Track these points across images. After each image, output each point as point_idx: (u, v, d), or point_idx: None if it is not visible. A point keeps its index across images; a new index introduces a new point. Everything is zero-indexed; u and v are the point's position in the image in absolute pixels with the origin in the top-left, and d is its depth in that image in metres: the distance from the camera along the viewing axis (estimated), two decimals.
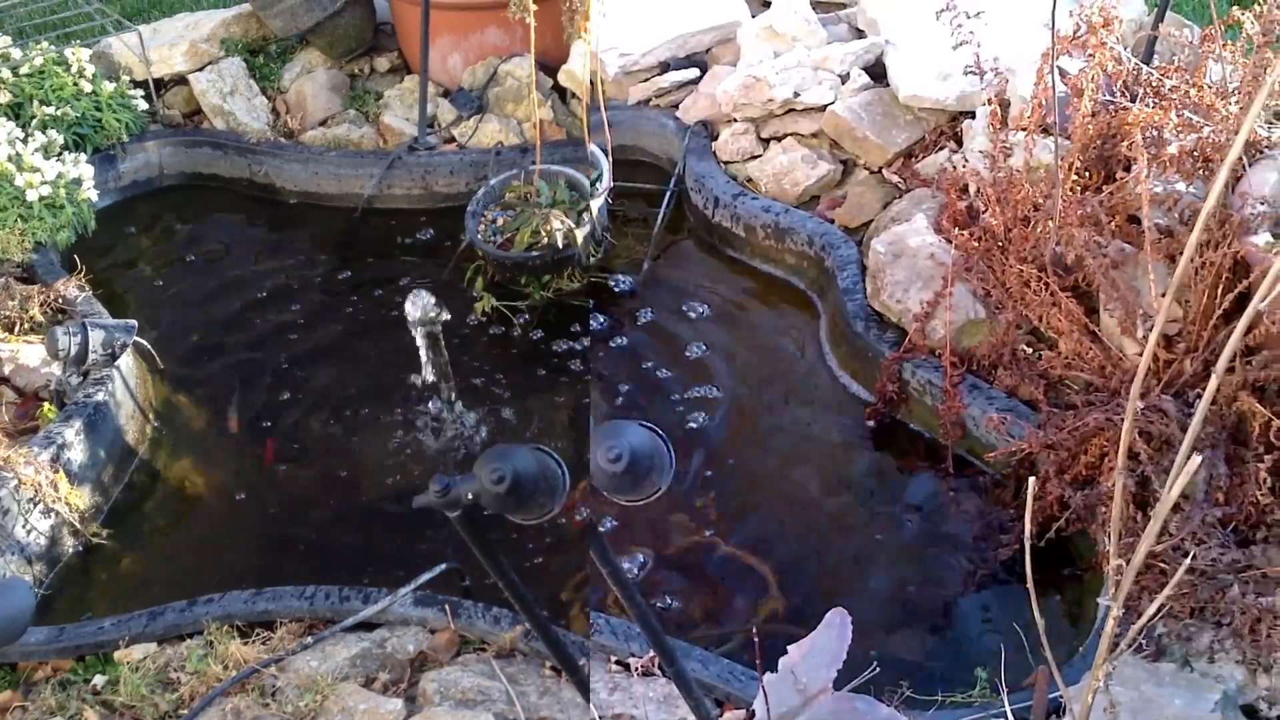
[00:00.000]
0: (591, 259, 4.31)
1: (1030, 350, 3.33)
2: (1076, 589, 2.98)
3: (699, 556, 3.28)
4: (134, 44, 5.14)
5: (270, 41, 5.41)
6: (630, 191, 4.56)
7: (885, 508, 3.35)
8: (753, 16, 4.77)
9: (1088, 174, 3.36)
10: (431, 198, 4.87)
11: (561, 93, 5.07)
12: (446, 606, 2.95)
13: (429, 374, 3.79)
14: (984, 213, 3.52)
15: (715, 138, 4.54)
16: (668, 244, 4.40)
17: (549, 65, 5.00)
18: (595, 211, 4.23)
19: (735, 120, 4.46)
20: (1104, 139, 3.36)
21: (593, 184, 4.26)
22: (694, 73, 4.76)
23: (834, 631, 2.34)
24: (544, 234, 4.15)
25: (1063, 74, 3.41)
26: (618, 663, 2.80)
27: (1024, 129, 3.48)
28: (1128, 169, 3.28)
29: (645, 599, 2.43)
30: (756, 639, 2.73)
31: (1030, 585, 1.79)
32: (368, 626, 2.97)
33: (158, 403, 3.97)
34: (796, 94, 4.28)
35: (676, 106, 4.73)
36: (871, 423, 3.57)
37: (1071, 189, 3.29)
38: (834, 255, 3.90)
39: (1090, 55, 3.27)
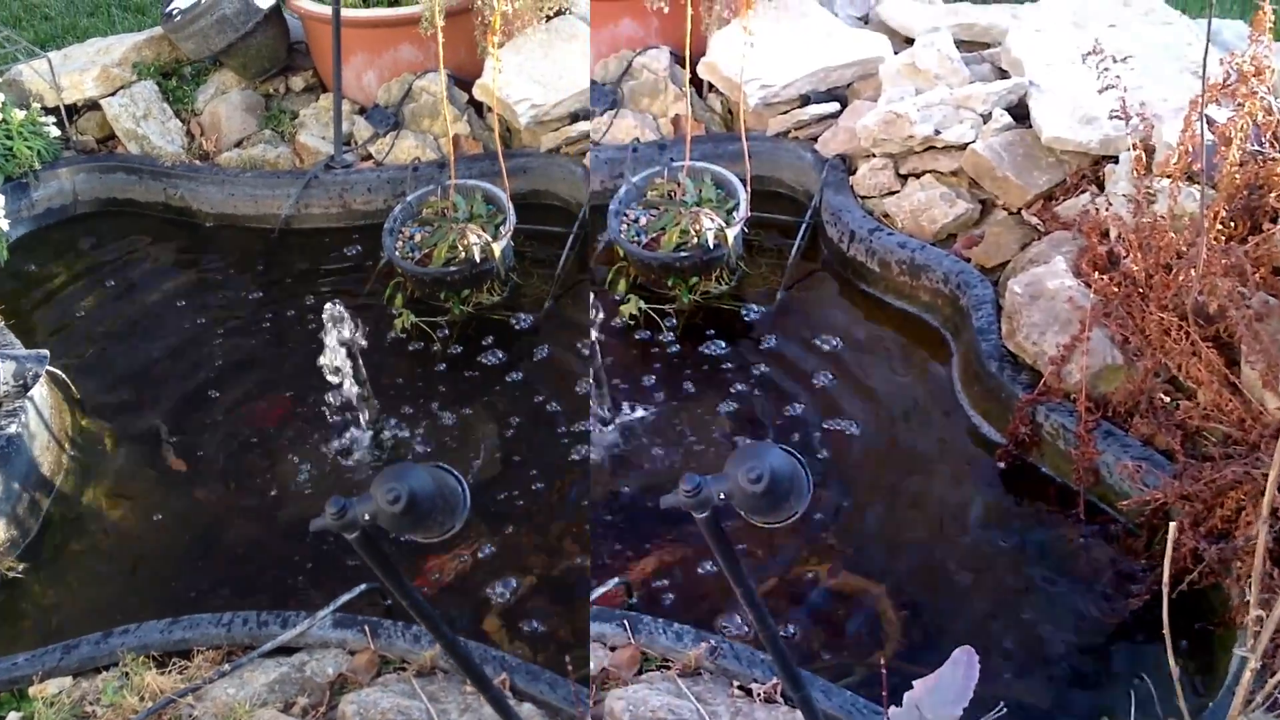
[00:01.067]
0: (513, 274, 4.38)
1: (1168, 399, 3.29)
2: (1207, 644, 2.93)
3: (820, 587, 3.30)
4: (44, 71, 5.20)
5: (183, 64, 5.46)
6: (765, 222, 4.59)
7: (1013, 551, 3.33)
8: (895, 53, 4.79)
9: (1233, 224, 3.32)
10: (350, 215, 4.95)
11: (478, 107, 5.10)
12: (366, 627, 2.99)
13: (349, 391, 3.84)
14: (1125, 258, 3.49)
15: (853, 172, 4.56)
16: (801, 275, 4.43)
17: (464, 80, 5.04)
18: (505, 241, 4.28)
19: (874, 155, 4.48)
20: (1251, 189, 3.32)
21: (729, 213, 4.31)
22: (834, 106, 4.79)
23: (961, 669, 2.35)
24: (461, 249, 4.19)
25: (1210, 122, 3.37)
26: (740, 687, 2.82)
27: (1169, 176, 3.45)
28: (1275, 220, 3.24)
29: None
30: (884, 671, 2.75)
31: (1166, 632, 1.79)
32: (287, 651, 3.00)
33: (74, 432, 4.01)
34: (937, 131, 4.28)
35: (815, 139, 4.76)
36: (1002, 464, 3.55)
37: (1216, 238, 3.25)
38: (969, 294, 3.90)
39: (1240, 104, 3.23)
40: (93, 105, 5.35)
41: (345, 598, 3.06)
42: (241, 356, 4.32)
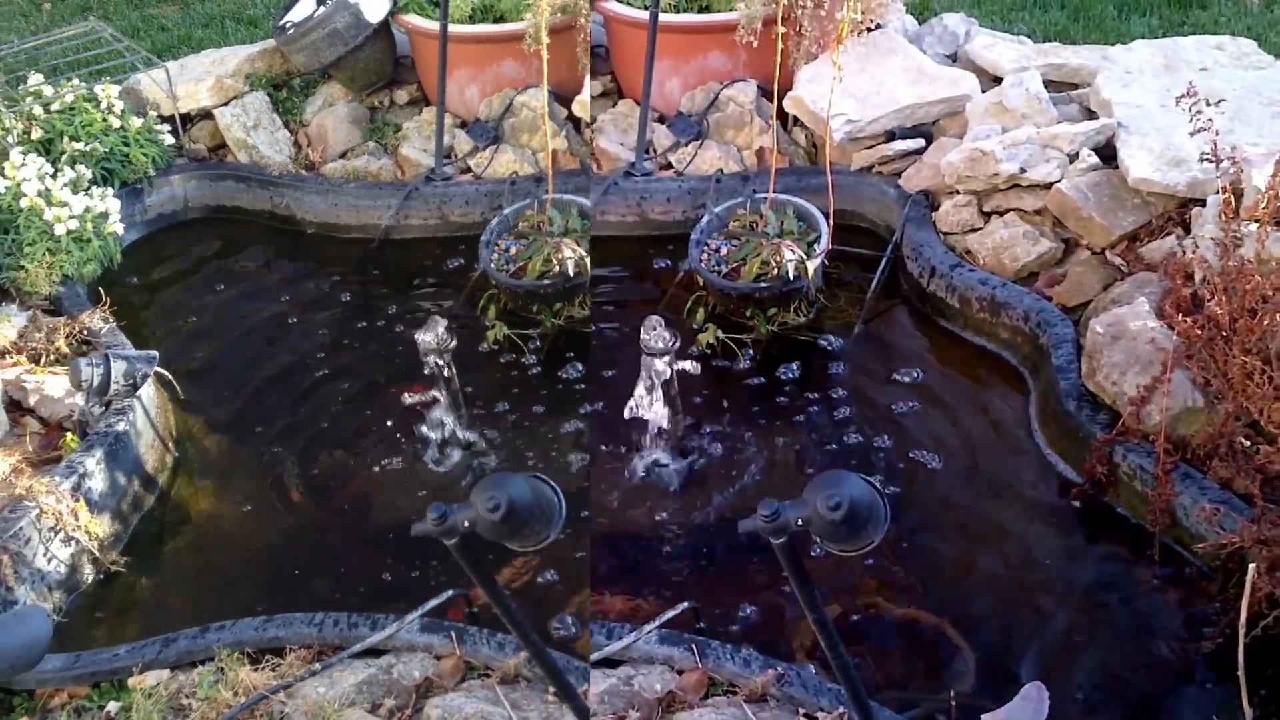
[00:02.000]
0: (820, 295, 4.39)
1: (1248, 443, 3.26)
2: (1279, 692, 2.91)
3: (889, 620, 3.30)
4: (162, 80, 5.33)
5: (293, 76, 5.56)
6: (846, 255, 4.61)
7: (1086, 589, 3.31)
8: (983, 91, 4.80)
9: None
10: (448, 227, 5.01)
11: (576, 122, 5.15)
12: (452, 633, 3.02)
13: (441, 400, 3.88)
14: (1209, 301, 3.47)
15: (936, 208, 4.57)
16: (880, 310, 4.44)
17: (564, 96, 5.08)
18: (819, 260, 4.27)
19: (958, 192, 4.49)
20: None
21: (810, 245, 4.33)
22: (919, 143, 4.80)
23: (1031, 705, 2.37)
24: (555, 263, 4.23)
25: None
26: (806, 716, 2.83)
27: (1257, 220, 3.43)
28: None
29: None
30: (953, 704, 2.76)
31: (1241, 673, 1.79)
32: (375, 653, 3.04)
33: (178, 432, 4.11)
34: (1023, 170, 4.29)
35: (899, 175, 4.78)
36: (1077, 503, 3.54)
37: None
38: (1049, 333, 3.89)
39: None
40: (206, 114, 5.49)
41: (433, 603, 3.11)
42: (339, 361, 4.41)
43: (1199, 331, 3.40)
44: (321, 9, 5.24)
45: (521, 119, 5.19)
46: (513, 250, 4.50)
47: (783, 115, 5.10)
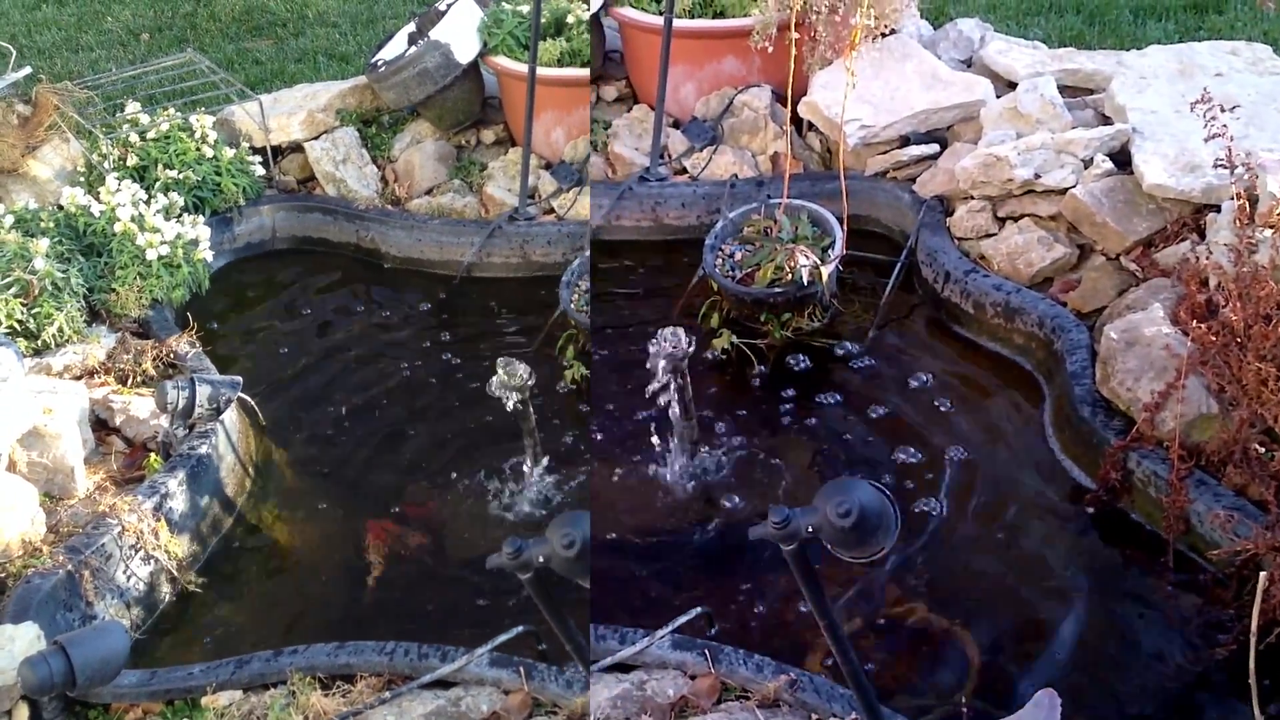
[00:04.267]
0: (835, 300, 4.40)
1: (1263, 450, 3.26)
2: None
3: (902, 625, 3.30)
4: (255, 112, 5.40)
5: (383, 113, 5.62)
6: (860, 261, 4.61)
7: (1100, 596, 3.31)
8: (998, 97, 4.79)
9: None
10: (529, 266, 5.02)
11: (799, 124, 5.14)
12: (521, 668, 3.01)
13: (523, 438, 3.90)
14: (1224, 307, 3.47)
15: (950, 213, 4.57)
16: (895, 315, 4.44)
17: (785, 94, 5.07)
18: (833, 265, 4.28)
19: (972, 197, 4.49)
20: None
21: (824, 251, 4.33)
22: (934, 148, 4.80)
23: (1043, 712, 2.36)
24: (788, 270, 4.21)
25: None
26: None
27: (1272, 226, 3.42)
28: None
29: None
30: (965, 710, 2.76)
31: (1253, 681, 1.79)
32: (444, 684, 3.04)
33: (258, 457, 4.15)
34: (1037, 175, 4.28)
35: (913, 180, 4.78)
36: (1091, 509, 3.53)
37: None
38: (1064, 338, 3.89)
39: None
40: (296, 147, 5.54)
41: (503, 637, 3.09)
42: (420, 394, 4.43)
43: (1213, 338, 3.40)
44: (413, 49, 5.31)
45: (742, 119, 5.20)
46: (738, 256, 4.50)
47: (797, 120, 5.11)
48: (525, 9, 5.38)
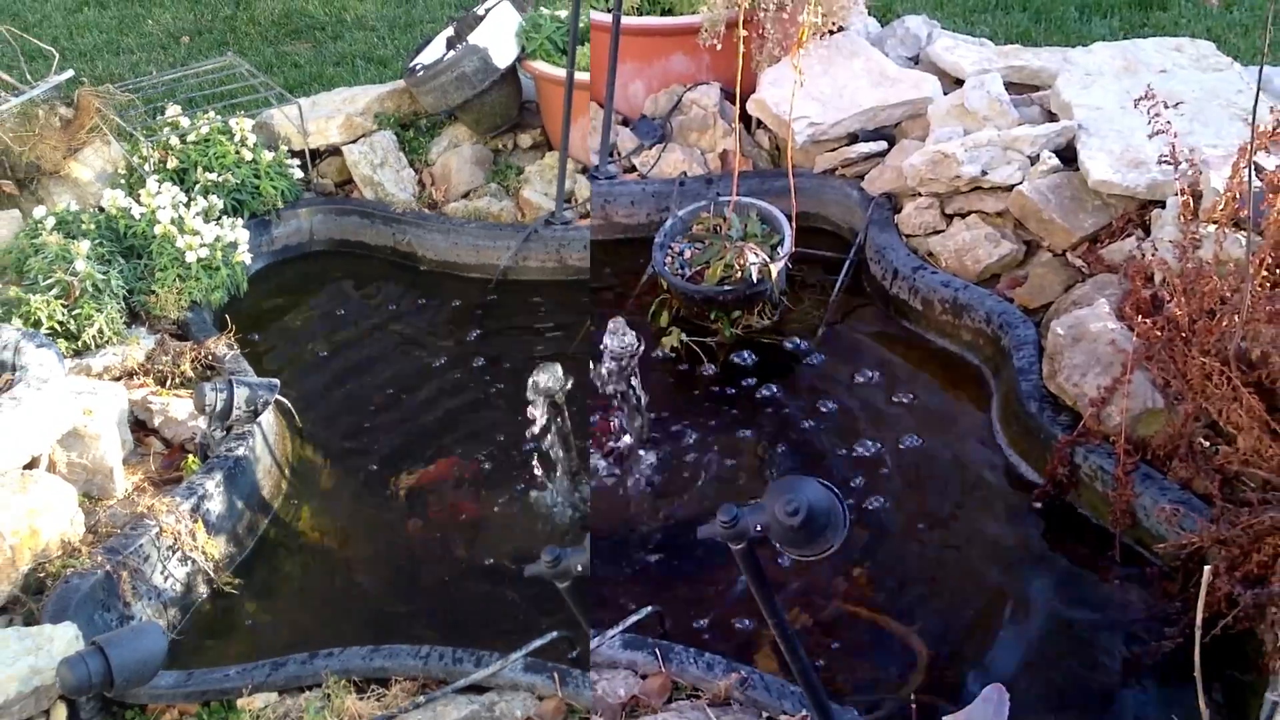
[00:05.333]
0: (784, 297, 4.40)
1: (1207, 444, 3.29)
2: (1239, 692, 2.92)
3: (851, 622, 3.31)
4: (294, 116, 5.39)
5: (420, 117, 5.61)
6: (810, 258, 4.62)
7: (1047, 590, 3.33)
8: (945, 94, 4.81)
9: (1278, 271, 3.32)
10: (565, 270, 5.00)
11: (747, 122, 5.14)
12: (555, 674, 2.98)
13: (553, 444, 3.87)
14: (1169, 302, 3.49)
15: (898, 210, 4.59)
16: (843, 312, 4.45)
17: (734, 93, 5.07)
18: (782, 263, 4.27)
19: (920, 194, 4.50)
20: None
21: (773, 248, 4.33)
22: (882, 145, 4.81)
23: (991, 706, 2.37)
24: (738, 268, 4.20)
25: (1259, 169, 3.37)
26: (768, 718, 2.83)
27: (1216, 222, 3.45)
28: None
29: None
30: (914, 706, 2.76)
31: (1197, 674, 1.80)
32: (478, 689, 3.02)
33: (294, 460, 4.14)
34: (984, 172, 4.30)
35: (862, 177, 4.79)
36: (1039, 504, 3.55)
37: (1261, 285, 3.25)
38: (1011, 334, 3.91)
39: None
40: (334, 151, 5.52)
41: (537, 642, 3.05)
42: (456, 397, 4.40)
43: (1158, 333, 3.42)
44: (451, 53, 5.29)
45: (691, 116, 5.18)
46: (688, 254, 4.48)
47: (746, 118, 5.11)
48: (563, 14, 5.38)
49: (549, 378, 3.73)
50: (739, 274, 4.19)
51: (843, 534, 2.05)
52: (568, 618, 2.60)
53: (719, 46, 4.89)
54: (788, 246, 4.34)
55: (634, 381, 3.83)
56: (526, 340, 4.70)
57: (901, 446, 3.82)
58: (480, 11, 5.38)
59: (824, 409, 4.00)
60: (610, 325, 3.74)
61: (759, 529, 2.02)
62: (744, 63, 4.39)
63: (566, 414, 3.82)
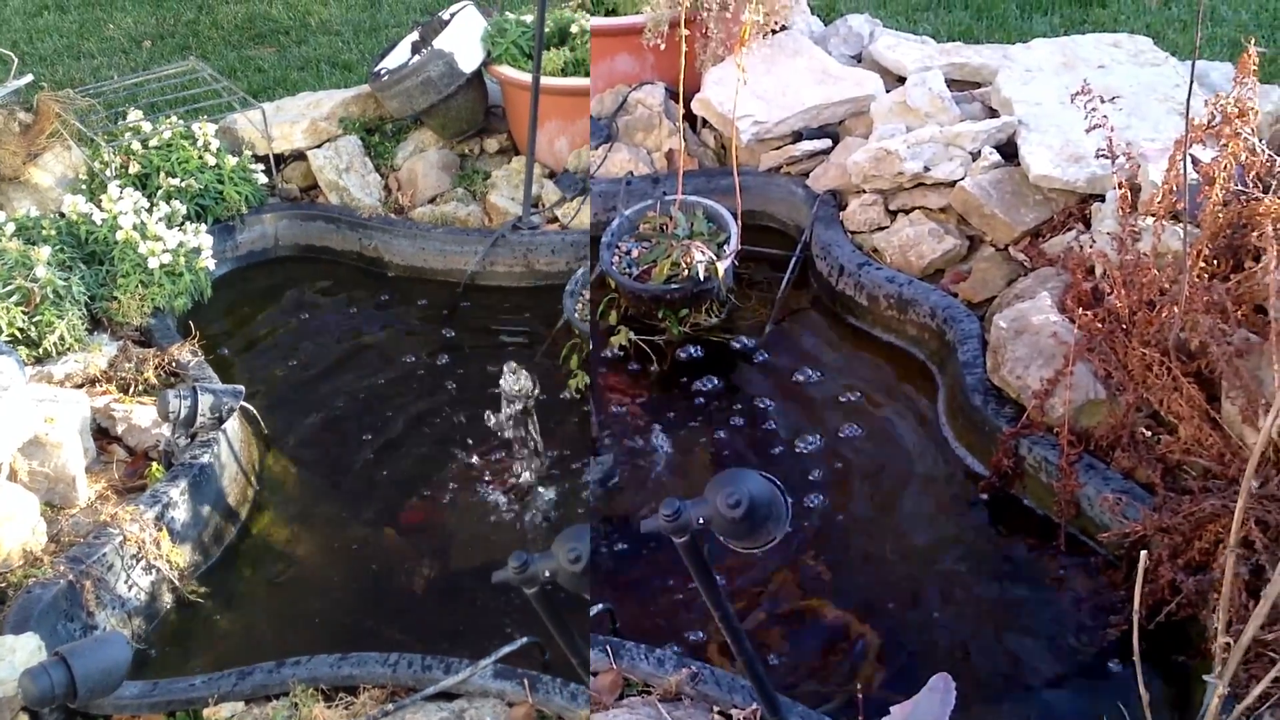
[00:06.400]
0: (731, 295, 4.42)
1: (1149, 434, 3.33)
2: (1184, 677, 2.96)
3: (801, 616, 3.32)
4: (258, 120, 5.35)
5: (386, 121, 5.59)
6: (756, 256, 4.63)
7: (993, 581, 3.36)
8: (887, 91, 4.84)
9: (1216, 262, 3.36)
10: (533, 275, 4.99)
11: (692, 122, 5.17)
12: (525, 680, 2.98)
13: (519, 447, 3.88)
14: (1109, 295, 3.53)
15: (843, 207, 4.61)
16: (790, 309, 4.47)
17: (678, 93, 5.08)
18: (728, 261, 4.28)
19: (864, 191, 4.53)
20: (1234, 228, 3.36)
21: (720, 246, 4.34)
22: (826, 143, 4.84)
23: (937, 696, 2.38)
24: (684, 266, 4.21)
25: (1195, 162, 3.42)
26: (720, 713, 2.84)
27: (1154, 214, 3.49)
28: (1257, 259, 3.28)
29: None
30: (861, 697, 2.77)
31: (1136, 658, 1.82)
32: (448, 696, 3.01)
33: (261, 467, 4.11)
34: (926, 168, 4.33)
35: (806, 175, 4.81)
36: (985, 496, 3.58)
37: (1199, 276, 3.29)
38: (955, 328, 3.94)
39: (1224, 144, 3.27)
40: (299, 156, 5.48)
41: (507, 649, 3.05)
42: (423, 402, 4.37)
43: (1099, 325, 3.46)
44: (416, 57, 5.26)
45: (636, 116, 5.19)
46: (635, 253, 4.47)
47: (691, 117, 5.12)
48: (529, 18, 5.37)
49: (517, 382, 3.73)
50: (686, 272, 4.20)
51: (784, 526, 2.06)
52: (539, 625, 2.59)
53: (663, 46, 4.90)
54: (734, 244, 4.36)
55: (531, 426, 3.85)
56: (494, 345, 4.69)
57: (848, 440, 3.85)
58: (446, 16, 5.37)
59: (770, 404, 4.02)
60: (506, 368, 3.77)
61: (701, 521, 2.03)
62: (688, 62, 4.40)
63: (535, 419, 3.83)
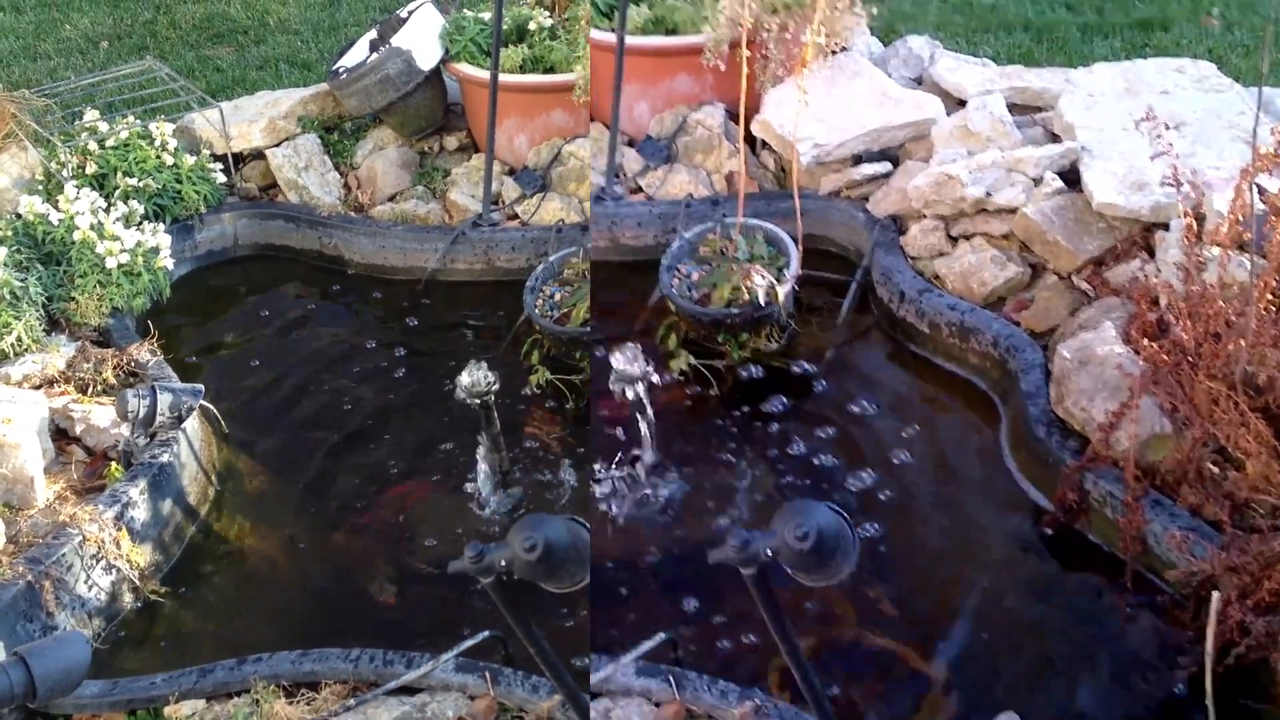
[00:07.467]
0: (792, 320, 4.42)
1: (1216, 470, 3.28)
2: None
3: (863, 649, 3.30)
4: (216, 120, 5.41)
5: (345, 120, 5.65)
6: (816, 280, 4.61)
7: (1058, 618, 3.32)
8: (948, 115, 4.82)
9: None
10: (493, 272, 5.04)
11: (752, 142, 5.15)
12: (487, 673, 3.02)
13: (482, 443, 3.88)
14: (1174, 326, 3.49)
15: (904, 232, 4.59)
16: (851, 335, 4.45)
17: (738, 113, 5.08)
18: (789, 285, 4.28)
19: (925, 216, 4.51)
20: None
21: (780, 270, 4.34)
22: (886, 166, 4.82)
23: None
24: (744, 290, 4.21)
25: (1262, 191, 3.37)
26: None
27: (1219, 244, 3.45)
28: None
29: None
30: None
31: (1209, 701, 1.79)
32: (409, 690, 3.05)
33: (220, 465, 4.15)
34: (988, 194, 4.31)
35: (866, 199, 4.80)
36: (1049, 530, 3.54)
37: (1266, 308, 3.25)
38: (1018, 358, 3.90)
39: None
40: (258, 155, 5.55)
41: (469, 643, 3.11)
42: (383, 399, 4.43)
43: (1165, 357, 3.42)
44: (374, 55, 5.31)
45: (569, 168, 5.25)
46: (557, 296, 4.49)
47: (751, 139, 5.11)
48: (487, 16, 5.39)
49: (476, 377, 3.74)
50: (746, 296, 4.19)
51: (853, 560, 2.06)
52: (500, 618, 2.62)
53: (723, 67, 4.91)
54: (794, 269, 4.34)
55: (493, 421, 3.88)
56: (454, 341, 4.73)
57: (911, 471, 3.82)
58: (404, 14, 5.41)
59: (832, 433, 4.00)
60: (621, 347, 3.79)
61: (769, 553, 2.03)
62: (748, 83, 4.40)
63: (495, 413, 3.83)
